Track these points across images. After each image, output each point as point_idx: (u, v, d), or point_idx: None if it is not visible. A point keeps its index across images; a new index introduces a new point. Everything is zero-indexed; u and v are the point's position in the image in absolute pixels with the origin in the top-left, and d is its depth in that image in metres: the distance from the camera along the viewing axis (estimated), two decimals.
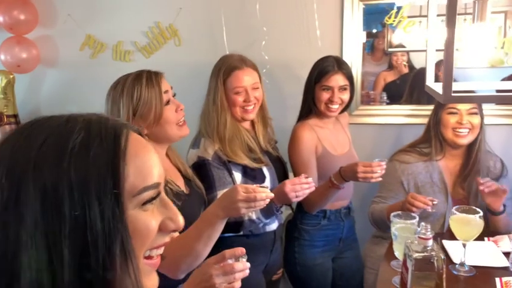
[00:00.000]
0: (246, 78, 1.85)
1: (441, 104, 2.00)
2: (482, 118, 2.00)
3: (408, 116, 2.40)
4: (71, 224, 0.52)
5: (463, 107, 1.97)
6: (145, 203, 0.59)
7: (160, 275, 1.28)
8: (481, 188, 1.83)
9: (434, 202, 1.74)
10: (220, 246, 1.25)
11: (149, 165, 0.60)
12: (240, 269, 1.07)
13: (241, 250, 1.08)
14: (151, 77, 1.50)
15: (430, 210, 1.71)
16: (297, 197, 1.60)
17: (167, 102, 1.51)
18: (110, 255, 0.54)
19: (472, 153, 2.00)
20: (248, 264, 1.08)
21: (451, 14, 1.05)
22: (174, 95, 1.58)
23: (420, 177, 2.02)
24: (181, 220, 0.64)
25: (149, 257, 0.62)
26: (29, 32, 2.68)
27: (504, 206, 1.88)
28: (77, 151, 0.55)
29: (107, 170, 0.55)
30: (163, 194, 0.62)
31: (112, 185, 0.55)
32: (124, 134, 0.59)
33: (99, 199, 0.54)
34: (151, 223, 0.60)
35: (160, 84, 1.51)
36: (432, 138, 2.05)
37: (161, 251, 0.64)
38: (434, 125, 2.04)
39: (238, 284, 1.08)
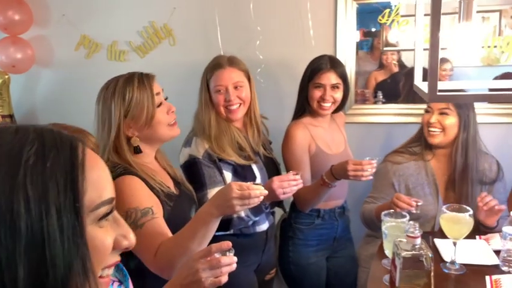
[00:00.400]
0: (226, 77, 1.85)
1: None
2: (465, 120, 1.95)
3: (403, 115, 2.40)
4: (27, 239, 0.49)
5: (436, 106, 1.96)
6: (100, 219, 0.57)
7: (154, 276, 1.28)
8: (480, 204, 1.76)
9: (418, 203, 1.74)
10: None
11: (104, 179, 0.58)
12: (227, 263, 1.05)
13: (228, 244, 1.07)
14: (142, 79, 1.50)
15: (414, 211, 1.70)
16: (284, 193, 1.60)
17: (159, 104, 1.51)
18: (70, 274, 0.51)
19: (453, 156, 1.97)
20: (235, 258, 1.07)
21: (435, 13, 1.05)
22: (166, 99, 1.57)
23: (412, 179, 2.02)
24: (133, 237, 0.62)
25: (100, 277, 0.59)
26: (24, 32, 2.69)
27: (497, 222, 1.83)
28: (33, 163, 0.51)
29: (66, 182, 0.52)
30: (115, 210, 0.61)
31: (72, 199, 0.52)
32: (80, 146, 0.56)
33: (58, 213, 0.51)
34: (107, 240, 0.58)
35: (152, 86, 1.50)
36: (423, 137, 2.05)
37: (111, 271, 0.62)
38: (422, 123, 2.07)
39: (225, 278, 1.06)
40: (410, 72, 2.37)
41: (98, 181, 0.57)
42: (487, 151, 2.05)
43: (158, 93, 1.51)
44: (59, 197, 0.52)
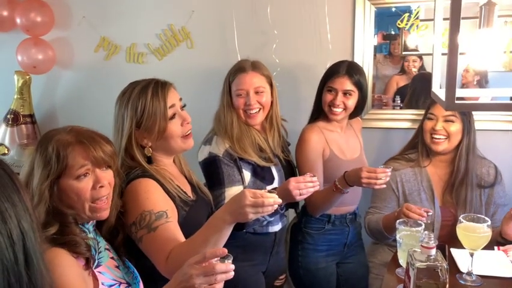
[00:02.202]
0: (248, 81, 1.86)
1: (427, 109, 2.01)
2: (467, 126, 1.94)
3: (419, 120, 2.35)
4: (18, 241, 0.65)
5: (440, 113, 1.94)
6: None
7: (165, 279, 1.29)
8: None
9: (429, 213, 1.71)
10: None
11: None
12: (222, 271, 1.01)
13: (223, 250, 1.04)
14: (157, 90, 1.48)
15: (425, 221, 1.67)
16: (300, 194, 1.59)
17: (173, 117, 1.49)
18: (40, 265, 0.69)
19: (456, 162, 1.96)
20: (232, 266, 1.03)
21: (454, 19, 1.03)
22: (184, 106, 1.56)
23: (408, 185, 2.01)
24: None
25: None
26: (45, 34, 2.74)
27: None
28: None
29: (14, 189, 0.67)
30: None
31: (24, 203, 0.68)
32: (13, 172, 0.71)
33: (25, 215, 0.67)
34: None
35: (166, 98, 1.48)
36: (419, 143, 2.04)
37: None
38: (420, 130, 2.04)
39: (220, 286, 1.03)
40: (419, 76, 2.33)
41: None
42: (484, 156, 2.04)
43: (173, 105, 1.49)
44: (20, 201, 0.67)
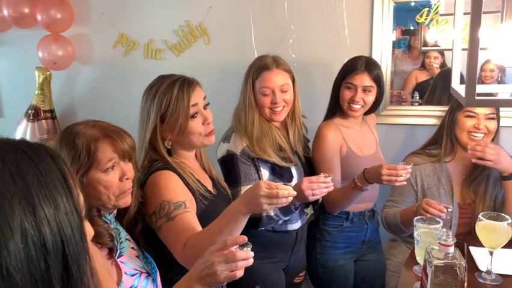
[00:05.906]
0: (273, 80, 1.84)
1: (460, 105, 1.95)
2: (498, 122, 1.94)
3: (438, 117, 2.32)
4: (54, 251, 0.58)
5: (482, 111, 1.90)
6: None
7: (181, 269, 1.31)
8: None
9: (449, 209, 1.69)
10: None
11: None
12: (243, 258, 1.05)
13: (243, 238, 1.07)
14: (183, 88, 1.52)
15: (445, 217, 1.65)
16: (313, 195, 1.58)
17: (194, 115, 1.53)
18: (82, 270, 0.63)
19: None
20: (252, 254, 1.07)
21: (475, 12, 1.01)
22: (208, 104, 1.59)
23: (428, 179, 2.00)
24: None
25: None
26: (65, 30, 2.78)
27: None
28: (36, 180, 0.59)
29: (64, 189, 0.61)
30: None
31: (73, 203, 0.62)
32: (55, 152, 0.65)
33: (69, 221, 0.61)
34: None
35: (190, 96, 1.52)
36: (444, 138, 2.01)
37: None
38: (449, 126, 2.00)
39: (240, 272, 1.06)
40: (442, 73, 2.30)
41: (75, 184, 0.65)
42: (502, 148, 2.00)
43: (196, 104, 1.53)
44: (68, 202, 0.60)
